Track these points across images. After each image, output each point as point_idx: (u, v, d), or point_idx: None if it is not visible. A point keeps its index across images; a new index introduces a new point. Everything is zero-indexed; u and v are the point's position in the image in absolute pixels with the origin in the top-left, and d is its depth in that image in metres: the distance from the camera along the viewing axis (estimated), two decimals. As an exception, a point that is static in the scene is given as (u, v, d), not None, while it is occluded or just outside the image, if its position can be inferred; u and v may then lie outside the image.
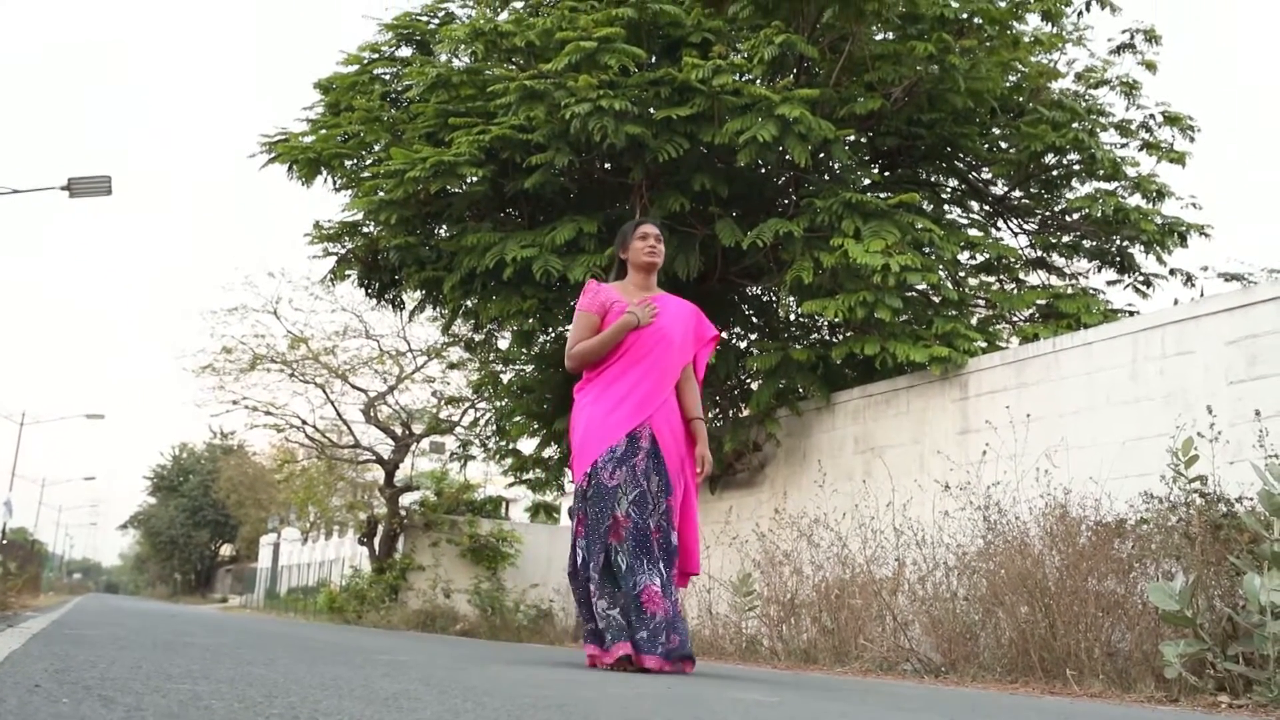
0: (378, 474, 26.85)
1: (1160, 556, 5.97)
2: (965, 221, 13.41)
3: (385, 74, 13.63)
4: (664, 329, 5.19)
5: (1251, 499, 5.53)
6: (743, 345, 14.13)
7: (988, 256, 12.48)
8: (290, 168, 13.04)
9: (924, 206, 12.12)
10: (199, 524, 68.37)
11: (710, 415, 12.62)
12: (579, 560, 5.05)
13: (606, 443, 4.96)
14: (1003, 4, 11.89)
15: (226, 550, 71.11)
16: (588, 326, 5.19)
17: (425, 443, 27.30)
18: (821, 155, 11.54)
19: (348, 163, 13.15)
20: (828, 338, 13.11)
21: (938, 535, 7.84)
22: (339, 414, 25.72)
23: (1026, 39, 12.42)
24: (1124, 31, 13.04)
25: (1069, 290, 12.55)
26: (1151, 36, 12.90)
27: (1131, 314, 11.75)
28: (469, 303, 13.19)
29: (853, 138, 12.14)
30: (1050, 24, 12.48)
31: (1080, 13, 12.64)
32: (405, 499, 25.53)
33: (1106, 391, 8.40)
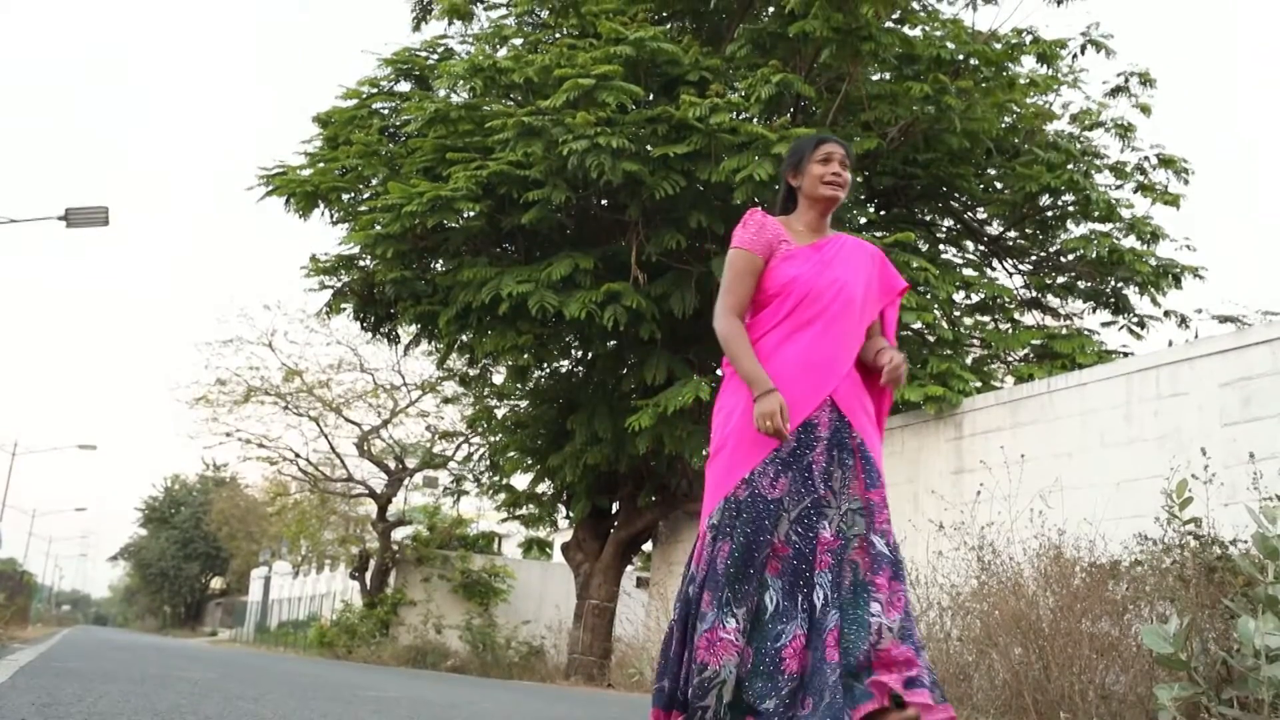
0: (370, 508, 26.78)
1: (1154, 598, 5.95)
2: (960, 261, 13.46)
3: (384, 108, 13.68)
4: (842, 280, 3.79)
5: (1246, 541, 5.52)
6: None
7: (983, 296, 12.51)
8: (288, 201, 13.06)
9: (920, 246, 12.15)
10: (190, 556, 68.01)
11: (705, 452, 12.58)
12: (706, 611, 3.48)
13: (770, 440, 3.58)
14: (998, 46, 11.98)
15: (217, 583, 70.70)
16: (748, 270, 3.76)
17: (418, 477, 27.24)
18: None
19: (345, 196, 13.18)
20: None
21: (931, 575, 7.81)
22: (332, 447, 25.69)
23: (1022, 81, 12.51)
24: (1119, 74, 13.14)
25: (1064, 331, 12.58)
26: (1146, 80, 12.99)
27: (1126, 355, 11.77)
28: (464, 337, 13.19)
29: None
30: (1045, 66, 12.58)
31: (1075, 55, 12.73)
32: (397, 533, 25.45)
33: (1101, 432, 8.39)
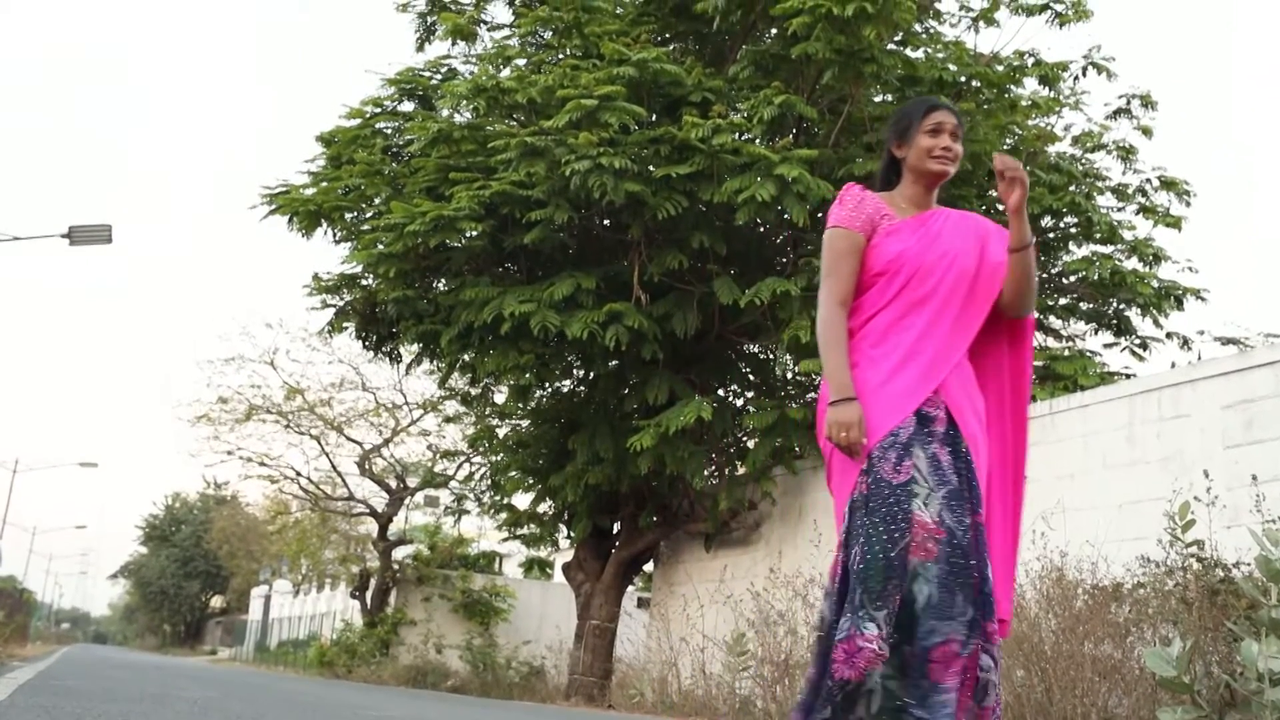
0: (371, 527, 26.74)
1: (1157, 621, 5.94)
2: (962, 282, 13.46)
3: (387, 128, 13.72)
4: (953, 253, 3.36)
5: (1249, 564, 5.51)
6: (739, 403, 14.12)
7: (985, 317, 12.51)
8: (291, 219, 13.09)
9: (921, 267, 12.15)
10: (190, 575, 67.89)
11: (705, 473, 12.60)
12: (840, 621, 3.08)
13: (886, 424, 3.18)
14: (1000, 68, 12.02)
15: (217, 602, 70.54)
16: (849, 250, 3.36)
17: (419, 496, 27.20)
18: (820, 215, 11.58)
19: (348, 215, 13.20)
20: (824, 396, 13.09)
21: (933, 597, 7.79)
22: (334, 466, 25.67)
23: (1024, 103, 12.54)
24: (1120, 96, 13.18)
25: (1066, 352, 12.58)
26: (1148, 102, 13.03)
27: (1128, 377, 11.76)
28: (466, 356, 13.19)
29: (851, 198, 12.20)
30: (1047, 88, 12.62)
31: (1077, 78, 12.77)
32: (398, 553, 25.40)
33: (1103, 454, 8.38)
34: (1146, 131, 13.11)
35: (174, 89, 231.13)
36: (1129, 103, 13.11)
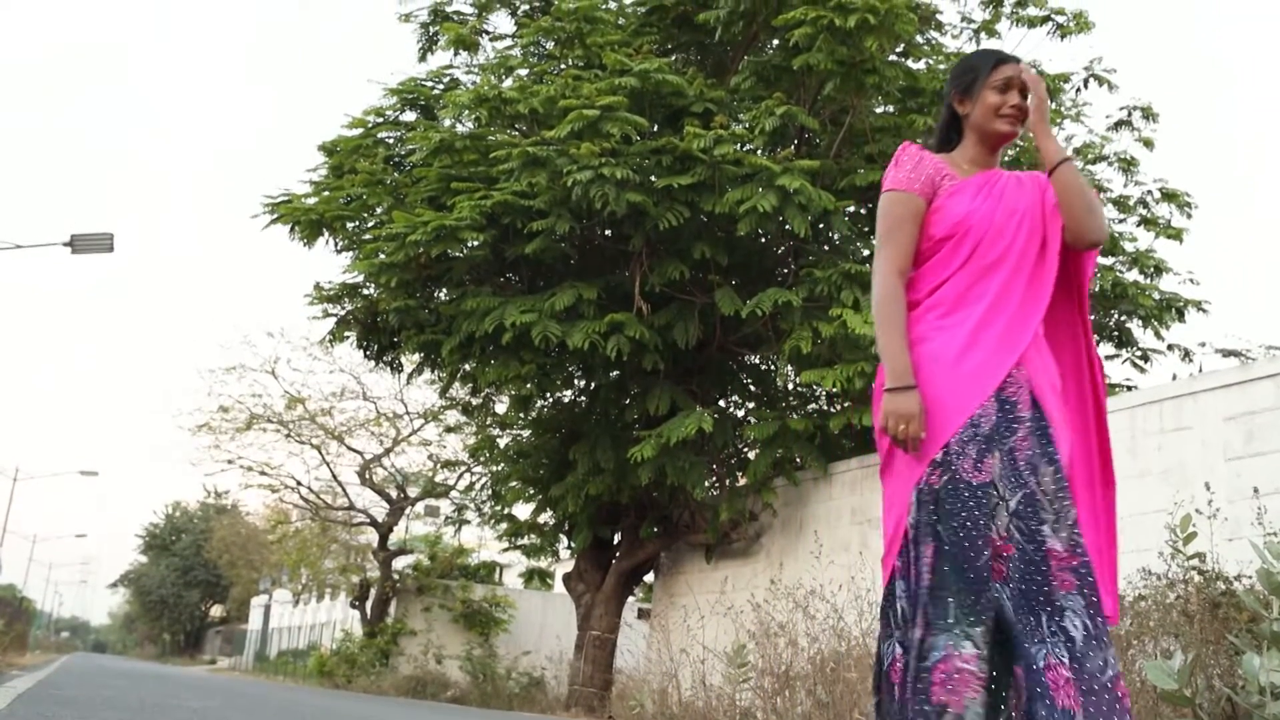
0: (371, 537, 26.72)
1: (1158, 634, 5.92)
2: (964, 293, 13.46)
3: (389, 138, 13.74)
4: (1022, 211, 3.02)
5: (1250, 577, 5.50)
6: (740, 414, 14.11)
7: (986, 329, 12.51)
8: (292, 229, 13.09)
9: (923, 278, 12.16)
10: (190, 584, 67.83)
11: (706, 484, 12.59)
12: (927, 637, 2.69)
13: (964, 409, 2.81)
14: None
15: (217, 611, 70.46)
16: (908, 215, 3.02)
17: (420, 506, 27.19)
18: (821, 226, 11.60)
19: (350, 225, 13.21)
20: (826, 408, 13.10)
21: (934, 608, 7.77)
22: (334, 475, 25.67)
23: (1025, 114, 12.55)
24: (1121, 108, 13.19)
25: (1067, 364, 12.56)
26: (1149, 114, 13.05)
27: (1129, 388, 11.76)
28: (467, 366, 13.19)
29: (853, 209, 12.22)
30: (1049, 100, 12.62)
31: (1078, 89, 12.80)
32: (398, 563, 25.38)
33: (1104, 466, 8.37)
34: (1148, 143, 13.13)
35: (174, 91, 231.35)
36: (1130, 114, 13.13)
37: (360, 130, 13.70)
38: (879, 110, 12.32)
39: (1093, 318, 12.93)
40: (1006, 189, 3.06)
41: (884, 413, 2.81)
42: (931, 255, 3.02)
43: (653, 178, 11.05)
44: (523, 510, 16.10)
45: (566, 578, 14.74)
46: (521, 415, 15.07)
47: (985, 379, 2.85)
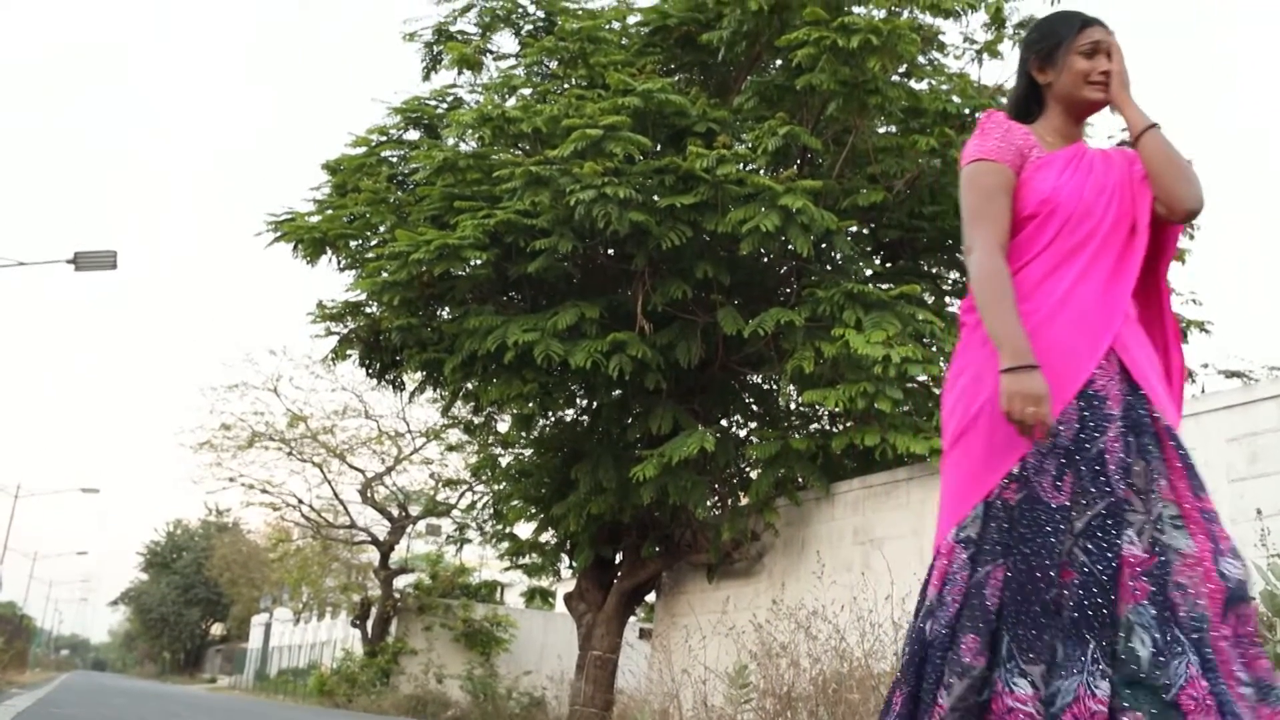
0: (372, 555, 26.71)
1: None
2: (966, 314, 13.45)
3: (392, 156, 13.77)
4: (1112, 188, 2.82)
5: (1254, 599, 5.47)
6: (743, 433, 14.09)
7: (989, 349, 12.50)
8: (296, 247, 13.10)
9: (925, 298, 12.16)
10: (190, 602, 67.71)
11: (708, 504, 12.56)
12: (974, 665, 2.46)
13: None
14: (1004, 100, 12.04)
15: (217, 629, 70.31)
16: (1000, 186, 2.76)
17: (421, 525, 27.16)
18: (824, 246, 11.61)
19: (353, 243, 13.22)
20: (828, 428, 13.08)
21: (937, 630, 7.74)
22: (336, 494, 25.67)
23: (1028, 135, 12.56)
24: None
25: (1070, 384, 12.54)
26: (1152, 135, 13.05)
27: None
28: (469, 385, 13.18)
29: (855, 229, 12.23)
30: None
31: (1081, 111, 12.79)
32: (399, 581, 25.36)
33: (1107, 487, 8.34)
34: (1150, 164, 13.14)
35: (174, 91, 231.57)
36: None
37: (364, 149, 13.73)
38: (881, 130, 12.34)
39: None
40: (1095, 164, 2.88)
41: (1006, 395, 2.49)
42: (1014, 234, 2.77)
43: (655, 197, 11.05)
44: (524, 529, 16.08)
45: (568, 597, 14.70)
46: (523, 434, 15.06)
47: (1070, 377, 2.59)
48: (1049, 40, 2.90)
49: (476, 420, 16.00)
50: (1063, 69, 2.87)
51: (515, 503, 15.09)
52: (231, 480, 25.18)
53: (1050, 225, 2.74)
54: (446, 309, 13.08)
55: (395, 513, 25.14)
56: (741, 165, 10.97)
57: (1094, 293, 2.68)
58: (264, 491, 25.56)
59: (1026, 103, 2.98)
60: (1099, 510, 2.49)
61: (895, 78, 11.75)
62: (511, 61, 13.83)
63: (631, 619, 15.97)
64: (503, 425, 15.85)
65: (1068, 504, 2.50)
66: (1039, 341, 2.58)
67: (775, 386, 13.67)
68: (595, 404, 13.78)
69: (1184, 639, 2.40)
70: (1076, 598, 2.44)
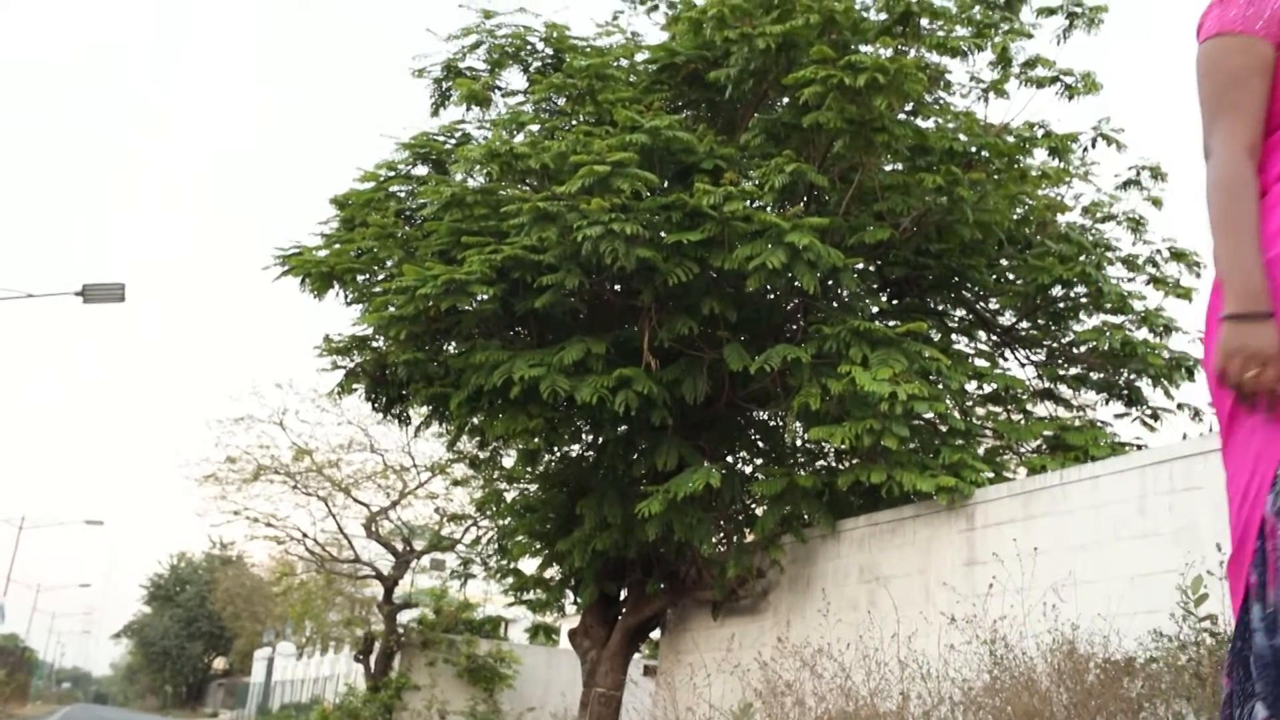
0: (376, 590, 26.61)
1: (1170, 697, 5.86)
2: (972, 351, 13.47)
3: (400, 191, 13.83)
4: None
5: (1263, 640, 5.44)
6: (748, 470, 14.07)
7: (995, 387, 12.50)
8: (303, 281, 13.15)
9: (932, 335, 12.17)
10: (193, 635, 67.56)
11: (714, 540, 12.52)
12: None
13: None
14: (1011, 139, 12.10)
15: (219, 663, 70.10)
16: (1255, 67, 2.13)
17: (426, 559, 27.09)
18: (830, 283, 11.62)
19: (360, 277, 13.25)
20: (834, 465, 13.06)
21: (943, 669, 7.71)
22: (340, 528, 25.60)
23: (1034, 173, 12.62)
24: (1130, 168, 13.23)
25: (1076, 422, 12.53)
26: (1157, 174, 13.10)
27: (1139, 447, 11.71)
28: (475, 420, 13.17)
29: (861, 266, 12.25)
30: (1057, 159, 12.69)
31: (1086, 149, 12.84)
32: (403, 616, 25.26)
33: (1114, 525, 8.32)
34: (1156, 203, 13.17)
35: (175, 91, 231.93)
36: (1139, 174, 13.17)
37: (372, 184, 13.80)
38: (888, 168, 12.38)
39: (1101, 376, 12.96)
40: None
41: (1225, 351, 1.99)
42: (1270, 133, 2.15)
43: (662, 233, 11.09)
44: (529, 565, 16.04)
45: (572, 633, 14.64)
46: (529, 469, 15.05)
47: None
48: None
49: (482, 455, 16.01)
50: None
51: (520, 538, 15.06)
52: (236, 513, 25.15)
53: None
54: (453, 344, 13.10)
55: (400, 547, 25.07)
56: (748, 202, 11.01)
57: None
58: (268, 525, 25.52)
59: None
60: None
61: (902, 116, 11.80)
62: (520, 98, 13.90)
63: (636, 656, 15.90)
64: (508, 460, 15.86)
65: None
66: None
67: (781, 423, 13.66)
68: (601, 439, 13.77)
69: None
70: None
